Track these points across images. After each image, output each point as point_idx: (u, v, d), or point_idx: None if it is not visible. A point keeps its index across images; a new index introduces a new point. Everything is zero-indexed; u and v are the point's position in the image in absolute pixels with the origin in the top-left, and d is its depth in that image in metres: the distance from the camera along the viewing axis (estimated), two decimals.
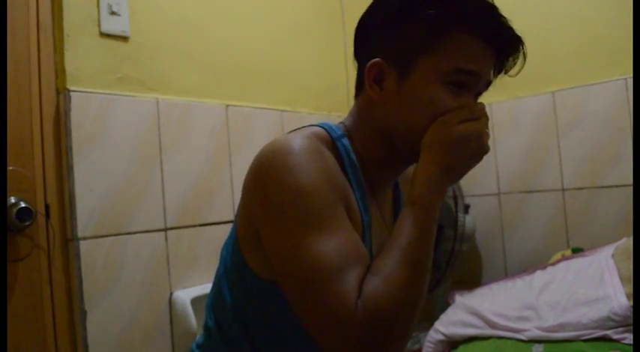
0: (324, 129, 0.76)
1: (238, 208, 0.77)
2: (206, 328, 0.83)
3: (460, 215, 1.69)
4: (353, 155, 0.75)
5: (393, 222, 0.87)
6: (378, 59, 0.73)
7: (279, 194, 0.65)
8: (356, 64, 0.80)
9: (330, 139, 0.75)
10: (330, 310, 0.59)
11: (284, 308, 0.68)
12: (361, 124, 0.78)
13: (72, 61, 1.30)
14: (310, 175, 0.64)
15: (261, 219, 0.68)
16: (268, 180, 0.66)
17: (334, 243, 0.62)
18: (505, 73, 0.77)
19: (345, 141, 0.76)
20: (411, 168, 0.89)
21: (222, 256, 0.81)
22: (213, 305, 0.81)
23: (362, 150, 0.77)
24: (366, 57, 0.75)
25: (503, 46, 0.73)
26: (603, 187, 1.67)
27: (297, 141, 0.68)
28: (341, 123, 0.81)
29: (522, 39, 0.73)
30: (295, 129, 0.77)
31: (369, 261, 0.65)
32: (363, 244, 0.66)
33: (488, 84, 0.76)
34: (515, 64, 0.76)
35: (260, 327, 0.75)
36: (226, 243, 0.80)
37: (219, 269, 0.81)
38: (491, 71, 0.75)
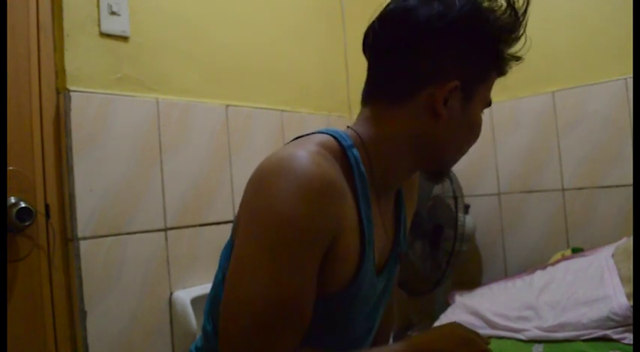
0: (334, 137, 0.73)
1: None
2: (204, 332, 0.83)
3: (460, 215, 1.69)
4: (362, 166, 0.73)
5: (394, 225, 0.86)
6: (458, 82, 0.72)
7: (261, 214, 0.63)
8: (369, 63, 0.77)
9: (339, 149, 0.72)
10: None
11: None
12: (386, 134, 0.74)
13: (72, 61, 1.30)
14: (296, 205, 0.62)
15: (239, 228, 0.67)
16: (257, 198, 0.65)
17: (287, 286, 0.61)
18: None
19: (355, 151, 0.73)
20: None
21: (220, 262, 0.80)
22: (211, 310, 0.80)
23: (375, 159, 0.75)
24: (424, 70, 0.72)
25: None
26: (603, 187, 1.67)
27: (299, 161, 0.64)
28: (350, 128, 0.77)
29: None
30: (303, 136, 0.75)
31: (307, 320, 0.64)
32: (309, 296, 0.65)
33: None
34: None
35: None
36: (225, 249, 0.79)
37: (217, 275, 0.80)
38: None
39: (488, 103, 0.80)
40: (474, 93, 0.75)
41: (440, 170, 0.82)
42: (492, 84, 0.79)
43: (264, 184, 0.65)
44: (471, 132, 0.78)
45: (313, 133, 0.75)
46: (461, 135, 0.77)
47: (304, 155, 0.65)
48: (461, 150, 0.80)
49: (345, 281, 0.70)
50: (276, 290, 0.61)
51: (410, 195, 0.93)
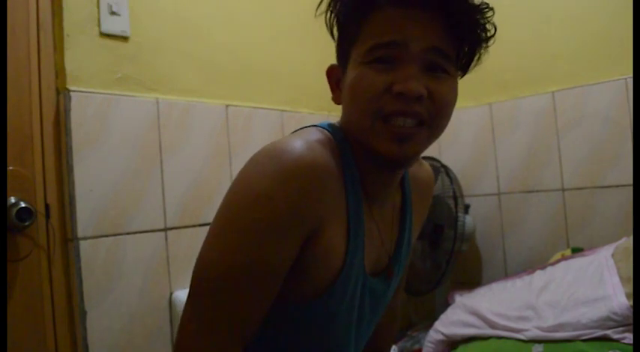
0: (330, 132, 0.73)
1: None
2: None
3: (460, 215, 1.69)
4: (352, 161, 0.72)
5: (400, 224, 0.84)
6: (332, 64, 0.74)
7: (237, 187, 0.64)
8: None
9: (335, 145, 0.71)
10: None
11: (275, 319, 0.68)
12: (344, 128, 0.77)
13: (72, 61, 1.30)
14: (273, 183, 0.61)
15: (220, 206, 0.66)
16: (240, 173, 0.65)
17: (244, 257, 0.61)
18: (472, 45, 0.69)
19: (347, 145, 0.73)
20: (421, 170, 0.89)
21: None
22: None
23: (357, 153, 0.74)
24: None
25: (438, 6, 0.65)
26: (603, 187, 1.67)
27: (293, 145, 0.64)
28: (337, 122, 0.78)
29: None
30: (300, 129, 0.75)
31: (267, 298, 0.64)
32: (272, 274, 0.64)
33: (435, 51, 0.66)
34: (472, 29, 0.68)
35: (254, 338, 0.74)
36: None
37: None
38: (437, 37, 0.65)
39: (374, 46, 0.66)
40: (348, 60, 0.70)
41: (373, 150, 0.69)
42: (376, 29, 0.66)
43: (252, 161, 0.65)
44: (354, 96, 0.68)
45: (310, 127, 0.75)
46: (349, 108, 0.71)
47: (301, 142, 0.65)
48: (359, 117, 0.68)
49: (330, 276, 0.69)
50: (232, 259, 0.61)
51: (420, 204, 0.91)
